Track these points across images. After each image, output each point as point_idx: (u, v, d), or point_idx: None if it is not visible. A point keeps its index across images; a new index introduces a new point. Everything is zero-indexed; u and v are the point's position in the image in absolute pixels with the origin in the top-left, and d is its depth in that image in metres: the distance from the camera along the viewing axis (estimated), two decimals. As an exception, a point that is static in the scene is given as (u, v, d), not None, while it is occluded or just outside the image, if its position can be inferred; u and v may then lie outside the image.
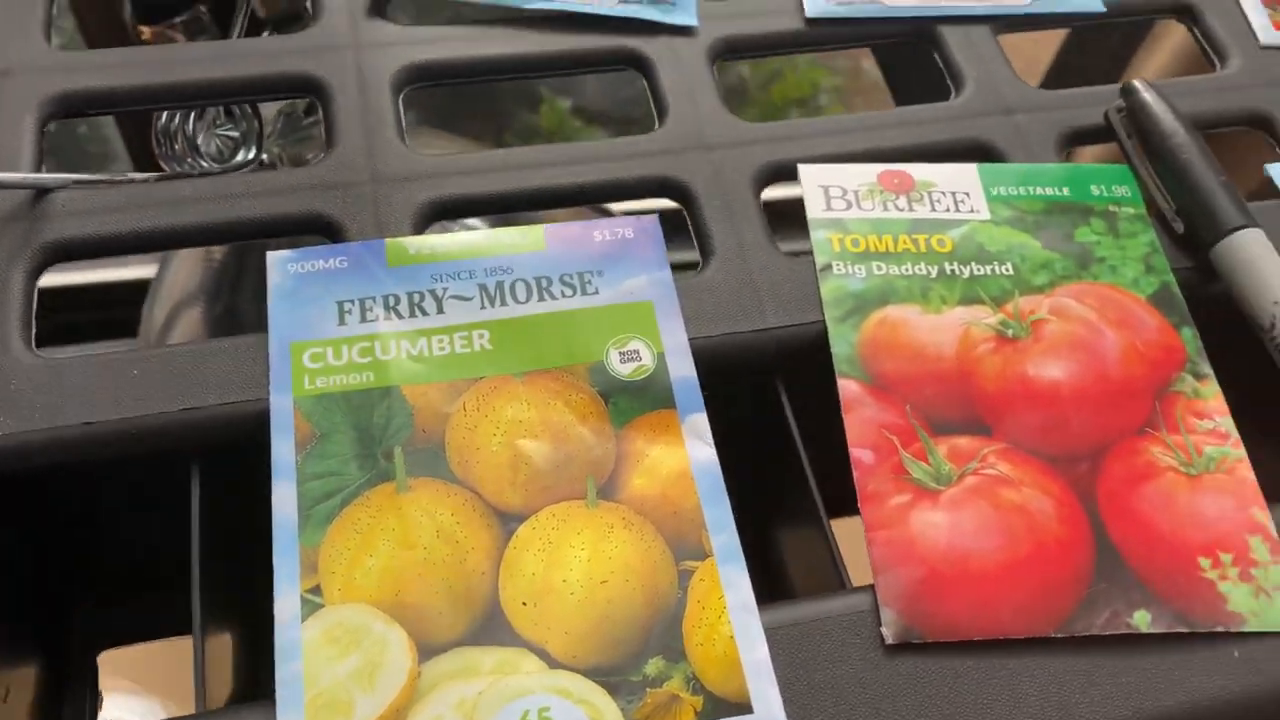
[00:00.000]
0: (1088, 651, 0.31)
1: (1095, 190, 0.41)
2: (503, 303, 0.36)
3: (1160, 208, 0.40)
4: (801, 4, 0.45)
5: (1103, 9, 0.47)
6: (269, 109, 0.51)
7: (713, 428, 0.34)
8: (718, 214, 0.39)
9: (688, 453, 0.33)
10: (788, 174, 0.41)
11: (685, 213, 0.40)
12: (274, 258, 0.36)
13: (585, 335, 0.35)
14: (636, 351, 0.35)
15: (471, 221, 0.51)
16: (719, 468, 0.33)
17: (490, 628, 0.30)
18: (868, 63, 1.45)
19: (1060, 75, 0.87)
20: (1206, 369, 0.37)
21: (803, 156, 0.41)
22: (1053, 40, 0.78)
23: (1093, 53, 0.82)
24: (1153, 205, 0.41)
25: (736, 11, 0.45)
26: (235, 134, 0.48)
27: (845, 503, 0.34)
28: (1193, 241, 0.39)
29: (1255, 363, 0.37)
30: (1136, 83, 0.42)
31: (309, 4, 0.44)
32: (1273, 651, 0.31)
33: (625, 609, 0.31)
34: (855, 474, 0.34)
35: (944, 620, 0.31)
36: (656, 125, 0.42)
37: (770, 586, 0.44)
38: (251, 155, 0.47)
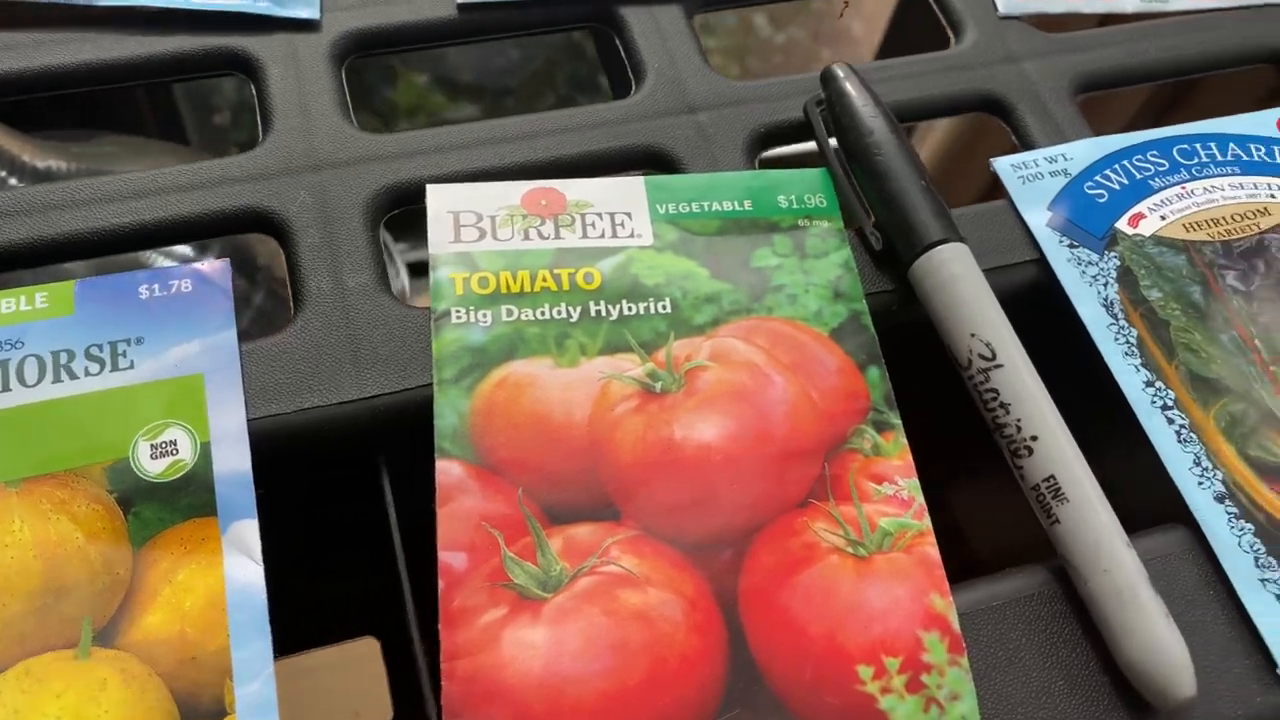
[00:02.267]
0: (713, 799, 0.25)
1: (783, 202, 0.35)
2: (4, 388, 0.28)
3: (859, 220, 0.34)
4: (454, -13, 0.38)
5: (815, -20, 0.40)
6: None
7: (293, 532, 0.27)
8: (318, 252, 0.32)
9: (225, 574, 0.26)
10: (413, 197, 0.34)
11: (283, 252, 0.33)
12: None
13: (109, 424, 0.28)
14: (173, 443, 0.28)
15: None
16: (264, 593, 0.26)
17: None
18: (760, 18, 1.38)
19: (895, 40, 0.81)
20: (893, 418, 0.31)
21: (436, 175, 0.34)
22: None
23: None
24: (854, 217, 0.35)
25: (373, -1, 0.38)
26: None
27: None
28: (892, 259, 0.33)
29: (960, 402, 0.32)
30: (836, 68, 0.36)
31: None
32: (941, 780, 0.26)
33: (111, 794, 0.24)
34: (440, 585, 0.27)
35: (530, 775, 0.25)
36: (260, 140, 0.34)
37: None
38: None
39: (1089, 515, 0.27)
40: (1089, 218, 0.35)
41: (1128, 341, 0.33)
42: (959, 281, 0.31)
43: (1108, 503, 0.28)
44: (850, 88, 0.35)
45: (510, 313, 0.31)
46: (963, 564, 0.46)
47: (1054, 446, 0.28)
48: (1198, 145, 0.38)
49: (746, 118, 0.37)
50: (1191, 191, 0.36)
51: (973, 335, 0.30)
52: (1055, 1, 0.41)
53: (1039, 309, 0.34)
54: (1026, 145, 0.38)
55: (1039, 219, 0.35)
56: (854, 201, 0.34)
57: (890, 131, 0.34)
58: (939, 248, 0.32)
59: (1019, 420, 0.29)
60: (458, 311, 0.31)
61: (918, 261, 0.32)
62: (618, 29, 0.39)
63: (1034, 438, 0.28)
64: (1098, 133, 0.38)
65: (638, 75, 0.38)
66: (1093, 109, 0.67)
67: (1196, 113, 0.39)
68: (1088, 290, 0.34)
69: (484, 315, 0.31)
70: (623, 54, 0.38)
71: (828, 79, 0.36)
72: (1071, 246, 0.35)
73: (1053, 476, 0.28)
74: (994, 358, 0.30)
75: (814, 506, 0.29)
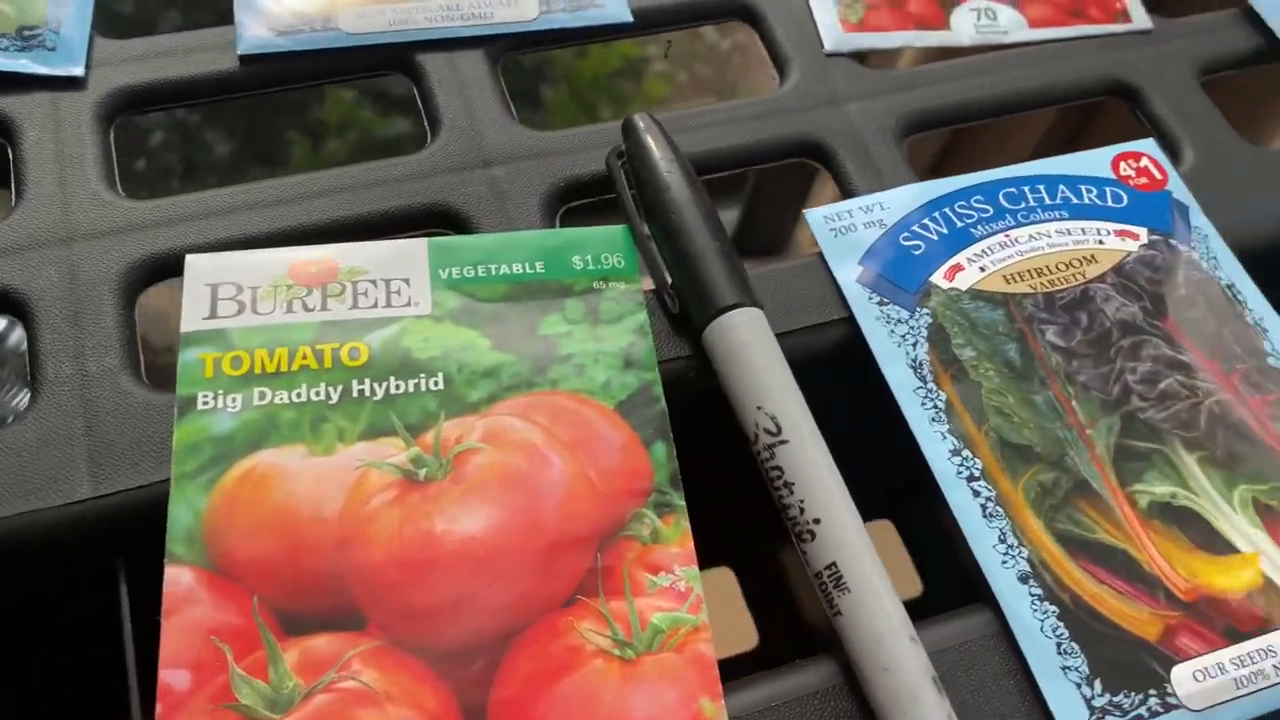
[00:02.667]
0: None
1: (578, 263, 0.32)
2: None
3: (658, 281, 0.32)
4: (235, 37, 0.36)
5: (630, 19, 0.38)
6: None
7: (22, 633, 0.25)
8: (61, 334, 0.30)
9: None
10: (173, 269, 0.31)
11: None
12: None
13: None
14: None
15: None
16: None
17: None
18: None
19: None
20: (676, 499, 0.29)
21: (201, 243, 0.32)
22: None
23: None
24: (654, 278, 0.32)
25: (148, 51, 0.35)
26: None
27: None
28: (688, 323, 0.31)
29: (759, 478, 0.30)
30: (637, 118, 0.34)
31: None
32: None
33: None
34: (158, 709, 0.25)
35: None
36: (10, 211, 0.32)
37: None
38: None
39: (871, 608, 0.25)
40: (902, 271, 0.33)
41: (935, 406, 0.31)
42: (747, 349, 0.29)
43: (894, 593, 0.26)
44: (650, 140, 0.33)
45: (263, 396, 0.29)
46: (792, 621, 0.44)
47: (837, 532, 0.26)
48: (1026, 188, 0.36)
49: (546, 171, 0.35)
50: (1015, 239, 0.35)
51: (759, 408, 0.28)
52: (885, 37, 0.39)
53: (850, 372, 0.32)
54: (847, 193, 0.36)
55: (849, 274, 0.33)
56: (652, 261, 0.32)
57: (688, 187, 0.32)
58: (730, 313, 0.30)
59: (802, 502, 0.27)
60: (205, 397, 0.29)
61: (709, 327, 0.30)
62: (415, 77, 0.36)
63: (816, 521, 0.26)
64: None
65: (433, 127, 0.36)
66: (990, 140, 0.65)
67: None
68: (896, 351, 0.32)
69: (234, 400, 0.29)
70: (420, 104, 0.36)
71: (628, 129, 0.34)
72: (881, 304, 0.33)
73: (834, 564, 0.26)
74: (779, 432, 0.28)
75: (581, 604, 0.27)
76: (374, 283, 0.31)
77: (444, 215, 0.33)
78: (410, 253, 0.32)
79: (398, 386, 0.30)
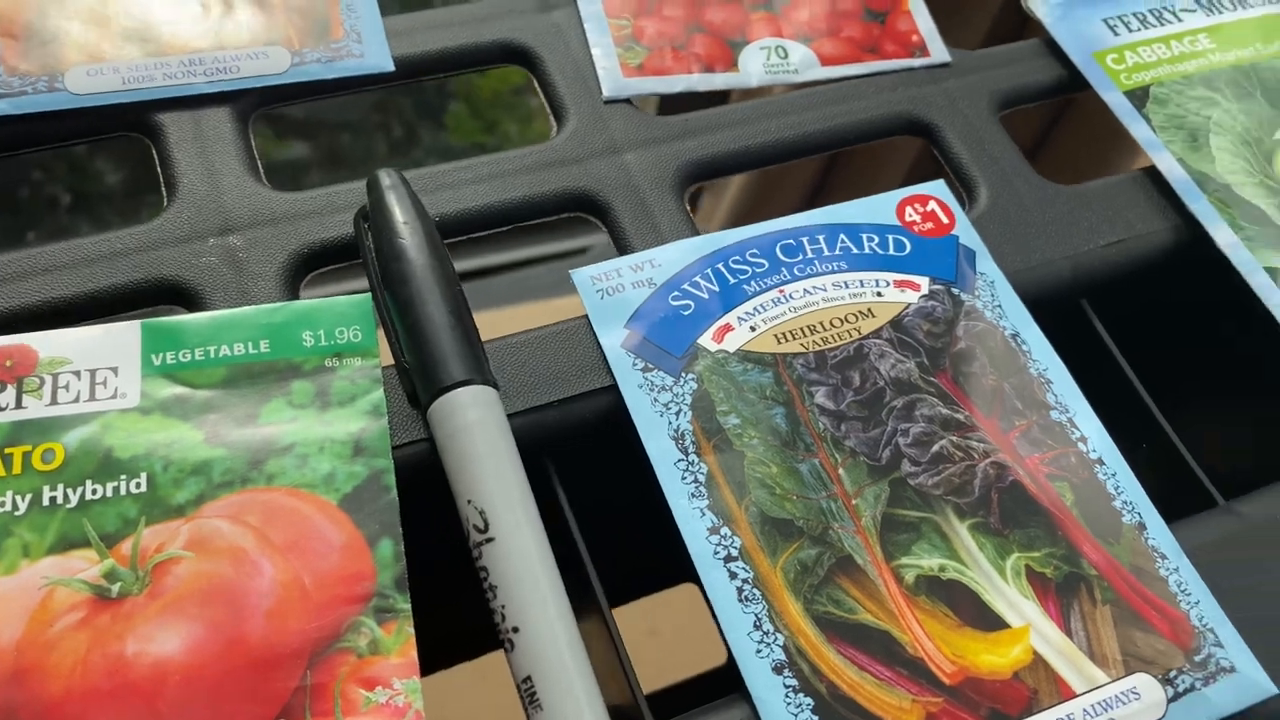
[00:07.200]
0: None
1: (308, 339, 0.30)
2: None
3: (396, 356, 0.30)
4: (-54, 101, 0.33)
5: (390, 68, 0.36)
6: None
7: None
8: None
9: None
10: None
11: None
12: None
13: None
14: None
15: None
16: None
17: None
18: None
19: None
20: (401, 603, 0.26)
21: (-112, 335, 0.29)
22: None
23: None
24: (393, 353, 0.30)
25: None
26: None
27: None
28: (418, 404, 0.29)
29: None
30: (382, 175, 0.31)
31: None
32: None
33: None
34: None
35: None
36: None
37: None
38: None
39: (567, 732, 0.23)
40: (669, 334, 0.32)
41: (696, 480, 0.29)
42: (463, 434, 0.27)
43: (598, 713, 0.24)
44: (391, 200, 0.31)
45: (-60, 510, 0.26)
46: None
47: (536, 643, 0.24)
48: (805, 239, 0.34)
49: (290, 236, 0.32)
50: (789, 295, 0.33)
51: (469, 501, 0.26)
52: (667, 81, 0.38)
53: (614, 446, 0.30)
54: (623, 249, 0.34)
55: (614, 339, 0.31)
56: (389, 335, 0.30)
57: (425, 253, 0.30)
58: (453, 392, 0.27)
59: (504, 607, 0.25)
60: None
61: (431, 408, 0.28)
62: (154, 138, 0.34)
63: (515, 630, 0.24)
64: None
65: (170, 192, 0.33)
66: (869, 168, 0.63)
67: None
68: (658, 421, 0.30)
69: (-95, 515, 0.26)
70: (158, 167, 0.33)
71: (370, 188, 0.31)
72: (646, 370, 0.31)
73: (529, 678, 0.24)
74: (486, 529, 0.25)
75: (285, 729, 0.24)
76: (77, 374, 0.28)
77: (172, 291, 0.31)
78: (121, 338, 0.29)
79: (94, 491, 0.27)
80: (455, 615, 0.32)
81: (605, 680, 0.32)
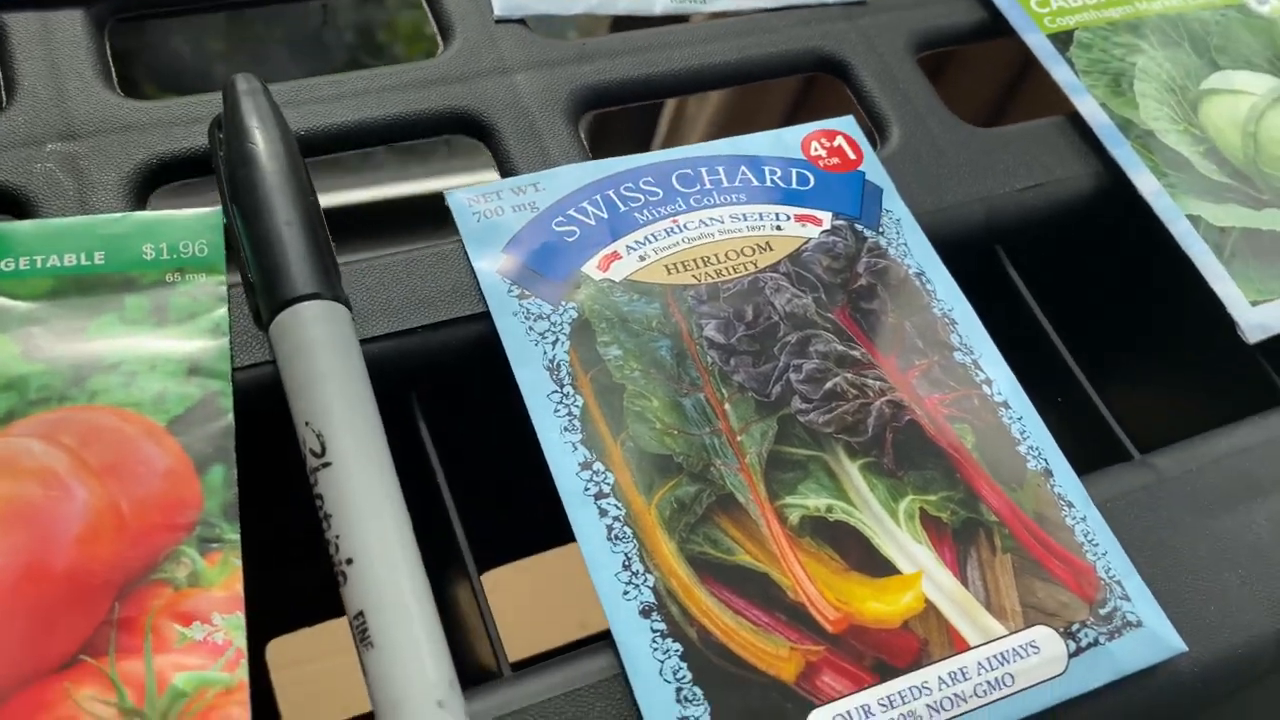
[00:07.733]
0: None
1: (149, 252, 0.27)
2: None
3: (243, 272, 0.27)
4: None
5: None
6: None
7: None
8: None
9: None
10: None
11: None
12: None
13: None
14: None
15: None
16: None
17: None
18: None
19: None
20: (229, 533, 0.24)
21: None
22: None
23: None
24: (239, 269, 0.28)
25: None
26: None
27: None
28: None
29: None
30: (239, 80, 0.28)
31: None
32: None
33: None
34: None
35: None
36: None
37: None
38: None
39: (393, 671, 0.21)
40: (551, 261, 0.29)
41: (570, 413, 0.27)
42: (305, 351, 0.24)
43: (439, 655, 0.21)
44: (247, 105, 0.28)
45: None
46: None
47: (369, 576, 0.22)
48: (704, 169, 0.32)
49: (137, 146, 0.30)
50: (684, 225, 0.31)
51: (306, 424, 0.23)
52: (563, 3, 0.35)
53: (486, 377, 0.28)
54: (506, 172, 0.32)
55: (490, 264, 0.29)
56: (233, 248, 0.27)
57: (277, 160, 0.27)
58: (296, 306, 0.25)
59: (338, 537, 0.22)
60: None
61: (273, 324, 0.25)
62: (-6, 38, 0.31)
63: (349, 561, 0.22)
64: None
65: (9, 93, 0.30)
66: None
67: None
68: (533, 350, 0.28)
69: None
70: (-2, 69, 0.31)
71: (225, 93, 0.29)
72: (522, 297, 0.29)
73: (361, 614, 0.21)
74: (323, 454, 0.23)
75: (84, 665, 0.22)
76: (-118, 279, 0.26)
77: (1, 197, 0.28)
78: (-58, 242, 0.26)
79: (-113, 404, 0.24)
80: (313, 566, 0.30)
81: (472, 645, 0.30)
